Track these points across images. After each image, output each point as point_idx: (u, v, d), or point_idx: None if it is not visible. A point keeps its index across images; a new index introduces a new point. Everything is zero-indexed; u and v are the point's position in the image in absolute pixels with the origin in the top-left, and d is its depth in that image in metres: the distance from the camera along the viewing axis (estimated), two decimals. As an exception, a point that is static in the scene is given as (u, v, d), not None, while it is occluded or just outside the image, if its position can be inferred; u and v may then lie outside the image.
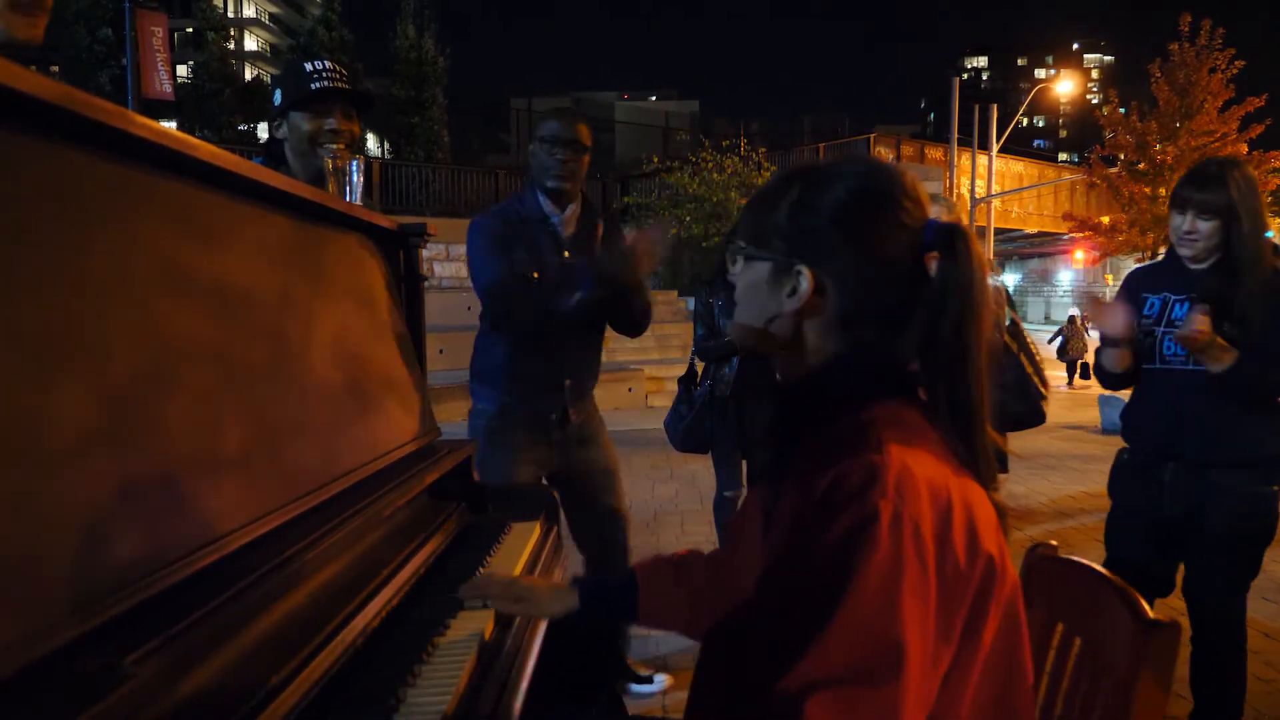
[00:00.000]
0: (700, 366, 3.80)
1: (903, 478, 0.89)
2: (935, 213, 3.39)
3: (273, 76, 2.39)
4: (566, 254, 2.64)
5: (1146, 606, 1.10)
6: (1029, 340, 3.38)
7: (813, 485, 0.92)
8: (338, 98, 2.19)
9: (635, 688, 2.96)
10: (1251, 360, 2.17)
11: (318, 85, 2.15)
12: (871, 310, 1.02)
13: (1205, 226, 2.26)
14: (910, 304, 1.00)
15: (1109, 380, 2.53)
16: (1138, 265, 2.73)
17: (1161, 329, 2.36)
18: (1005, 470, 3.24)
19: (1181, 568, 2.47)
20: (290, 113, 2.19)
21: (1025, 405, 3.25)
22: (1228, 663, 2.35)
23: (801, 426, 1.03)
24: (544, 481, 2.72)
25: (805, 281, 1.01)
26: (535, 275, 2.58)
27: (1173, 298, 2.37)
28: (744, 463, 3.68)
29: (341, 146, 2.15)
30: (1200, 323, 2.14)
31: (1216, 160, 2.35)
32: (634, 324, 2.74)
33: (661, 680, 2.98)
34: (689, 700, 1.10)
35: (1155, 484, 2.40)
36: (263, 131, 26.52)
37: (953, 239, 0.99)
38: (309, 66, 2.19)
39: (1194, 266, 2.35)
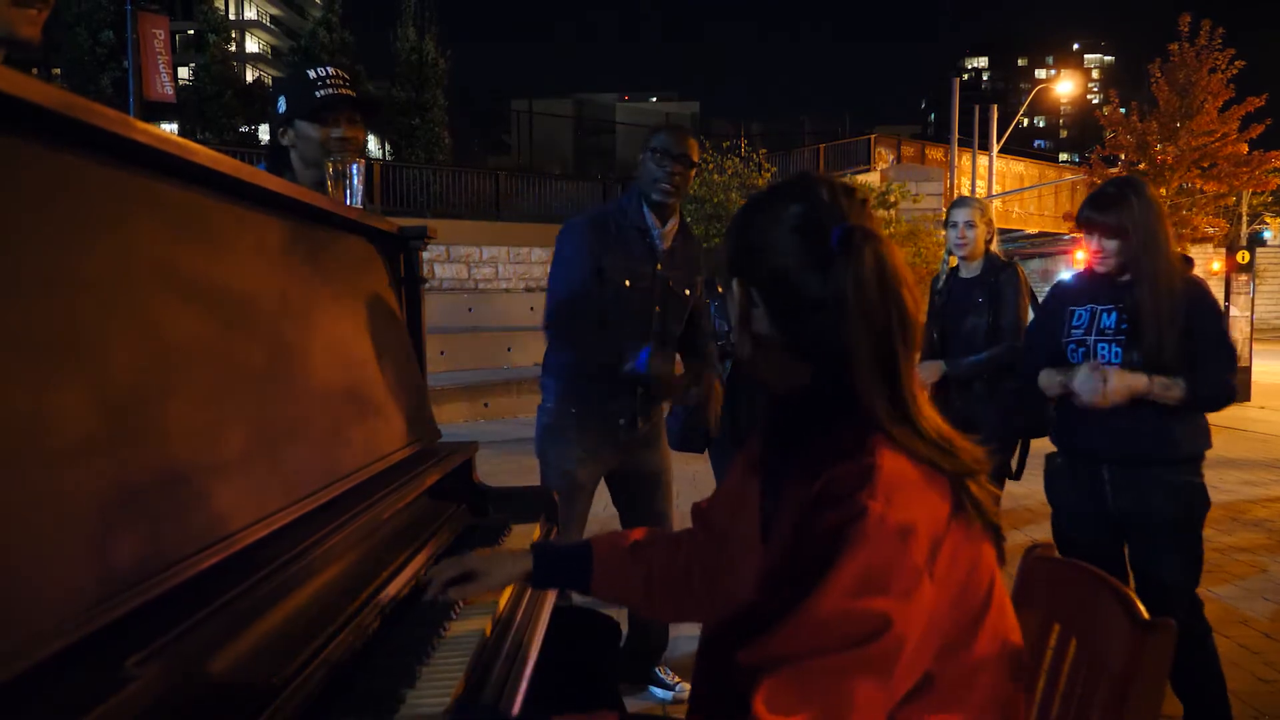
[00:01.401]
0: None
1: (894, 482, 0.91)
2: (965, 216, 3.37)
3: (274, 82, 2.34)
4: (660, 267, 2.67)
5: (1142, 606, 1.11)
6: None
7: (808, 489, 0.94)
8: (344, 104, 2.17)
9: (656, 691, 2.96)
10: (1204, 380, 2.32)
11: (323, 93, 2.13)
12: (790, 316, 1.04)
13: (1110, 245, 2.38)
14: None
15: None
16: (1061, 278, 2.82)
17: (1093, 338, 2.46)
18: (1016, 477, 3.26)
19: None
20: (297, 121, 2.16)
21: (1037, 418, 3.25)
22: (1198, 654, 2.41)
23: (797, 439, 1.04)
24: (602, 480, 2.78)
25: (736, 292, 1.08)
26: (627, 284, 2.61)
27: (1099, 308, 2.47)
28: None
29: (350, 153, 2.13)
30: (1115, 384, 2.29)
31: (1116, 181, 2.48)
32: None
33: (682, 689, 2.95)
34: (690, 700, 1.11)
35: (1097, 483, 2.49)
36: (264, 134, 26.55)
37: (849, 241, 0.99)
38: (313, 74, 2.16)
39: (1118, 278, 2.45)
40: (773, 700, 0.82)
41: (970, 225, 3.44)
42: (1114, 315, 2.44)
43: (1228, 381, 2.38)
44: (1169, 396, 2.30)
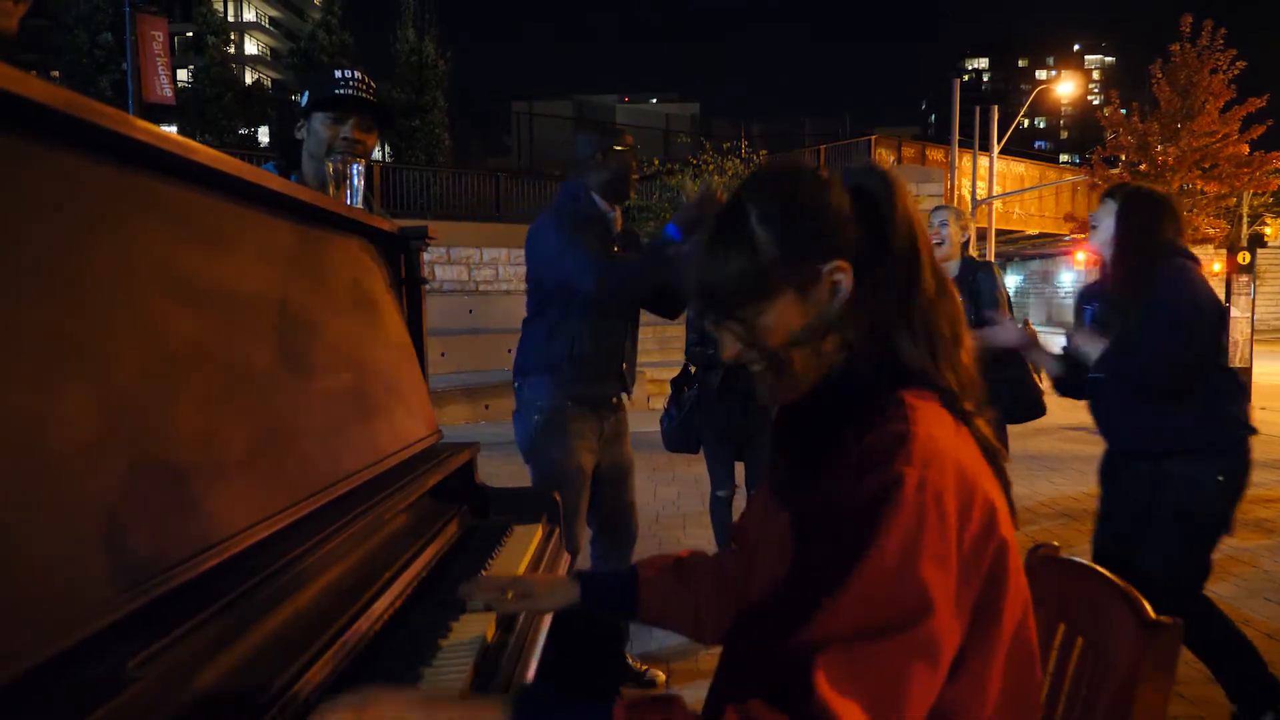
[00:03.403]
0: (693, 370, 3.89)
1: (928, 448, 0.90)
2: (941, 218, 3.56)
3: (302, 78, 2.43)
4: (616, 249, 2.85)
5: (1148, 606, 1.10)
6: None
7: (844, 460, 0.94)
8: (358, 107, 2.22)
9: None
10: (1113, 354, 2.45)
11: (341, 91, 2.20)
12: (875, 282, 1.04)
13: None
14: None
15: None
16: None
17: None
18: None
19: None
20: (312, 115, 2.23)
21: (1025, 399, 3.59)
22: (1225, 646, 2.44)
23: (824, 429, 1.03)
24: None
25: (837, 276, 1.06)
26: None
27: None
28: (737, 464, 3.83)
29: (352, 156, 2.19)
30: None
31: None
32: (678, 304, 2.95)
33: (651, 675, 3.06)
34: (709, 693, 1.10)
35: (1109, 476, 2.64)
36: (264, 136, 26.57)
37: (870, 183, 1.04)
38: (338, 73, 2.24)
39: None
40: (830, 681, 0.82)
41: (944, 224, 3.78)
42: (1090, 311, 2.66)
43: (1158, 355, 2.37)
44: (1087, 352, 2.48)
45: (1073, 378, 2.65)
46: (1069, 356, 2.64)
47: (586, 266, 2.67)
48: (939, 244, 3.78)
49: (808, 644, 0.84)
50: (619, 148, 2.82)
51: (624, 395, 2.94)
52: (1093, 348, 2.47)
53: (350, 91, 2.20)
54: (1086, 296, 2.77)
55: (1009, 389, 3.56)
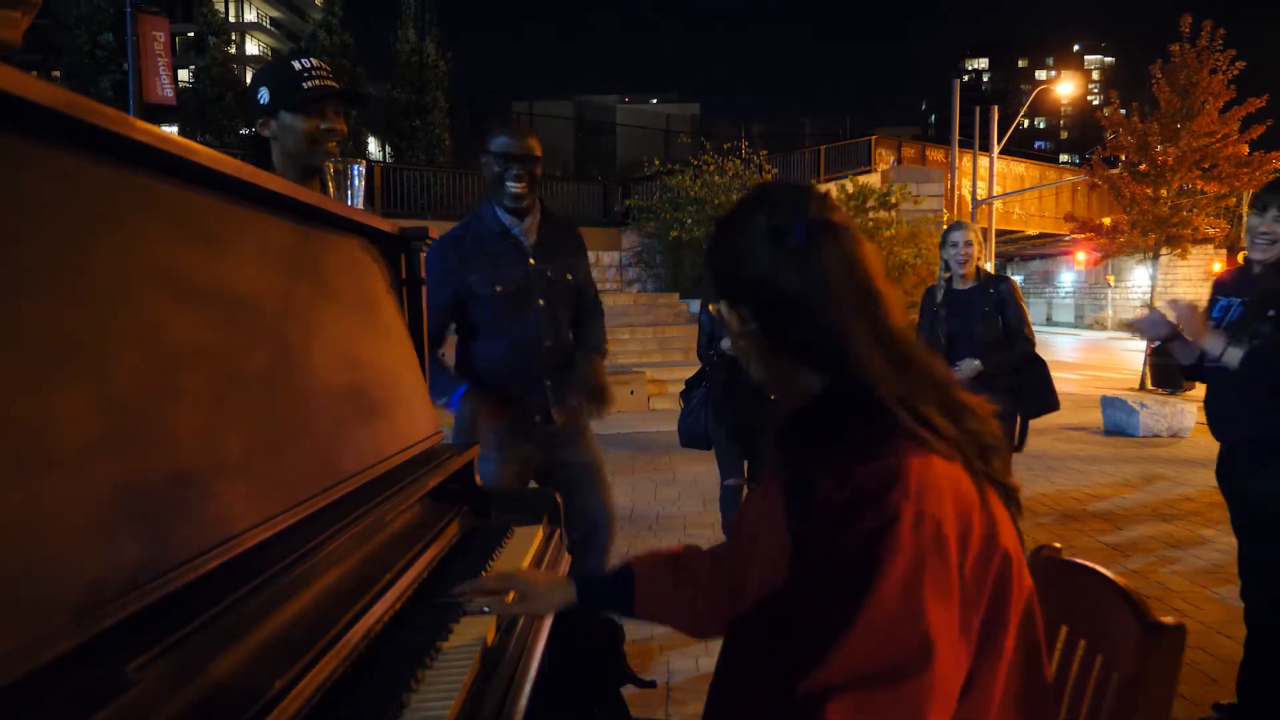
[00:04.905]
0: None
1: (922, 479, 0.89)
2: (965, 236, 3.58)
3: (255, 74, 2.30)
4: (533, 261, 2.70)
5: (1149, 609, 1.10)
6: None
7: (836, 494, 0.93)
8: (331, 96, 2.15)
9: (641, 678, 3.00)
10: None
11: (309, 85, 2.11)
12: (782, 322, 1.04)
13: None
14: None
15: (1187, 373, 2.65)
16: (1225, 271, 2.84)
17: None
18: (1018, 449, 3.84)
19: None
20: (281, 113, 2.12)
21: (1049, 397, 3.89)
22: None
23: (816, 448, 1.02)
24: (531, 481, 2.78)
25: (727, 314, 1.08)
26: (498, 290, 2.64)
27: (1235, 301, 2.50)
28: (744, 458, 3.93)
29: (334, 145, 2.15)
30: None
31: None
32: None
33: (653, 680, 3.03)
34: (709, 701, 1.10)
35: (1223, 473, 2.59)
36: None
37: (811, 234, 1.01)
38: (297, 65, 2.14)
39: (1259, 270, 2.47)
40: None
41: (969, 244, 3.94)
42: (1237, 307, 2.47)
43: None
44: (1228, 360, 2.31)
45: (1199, 366, 2.55)
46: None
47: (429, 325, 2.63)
48: (965, 260, 3.93)
49: (816, 692, 0.83)
50: (491, 150, 2.66)
51: (550, 412, 2.72)
52: (1214, 344, 2.36)
53: (319, 83, 2.11)
54: (1223, 288, 2.63)
55: (1032, 388, 3.83)
